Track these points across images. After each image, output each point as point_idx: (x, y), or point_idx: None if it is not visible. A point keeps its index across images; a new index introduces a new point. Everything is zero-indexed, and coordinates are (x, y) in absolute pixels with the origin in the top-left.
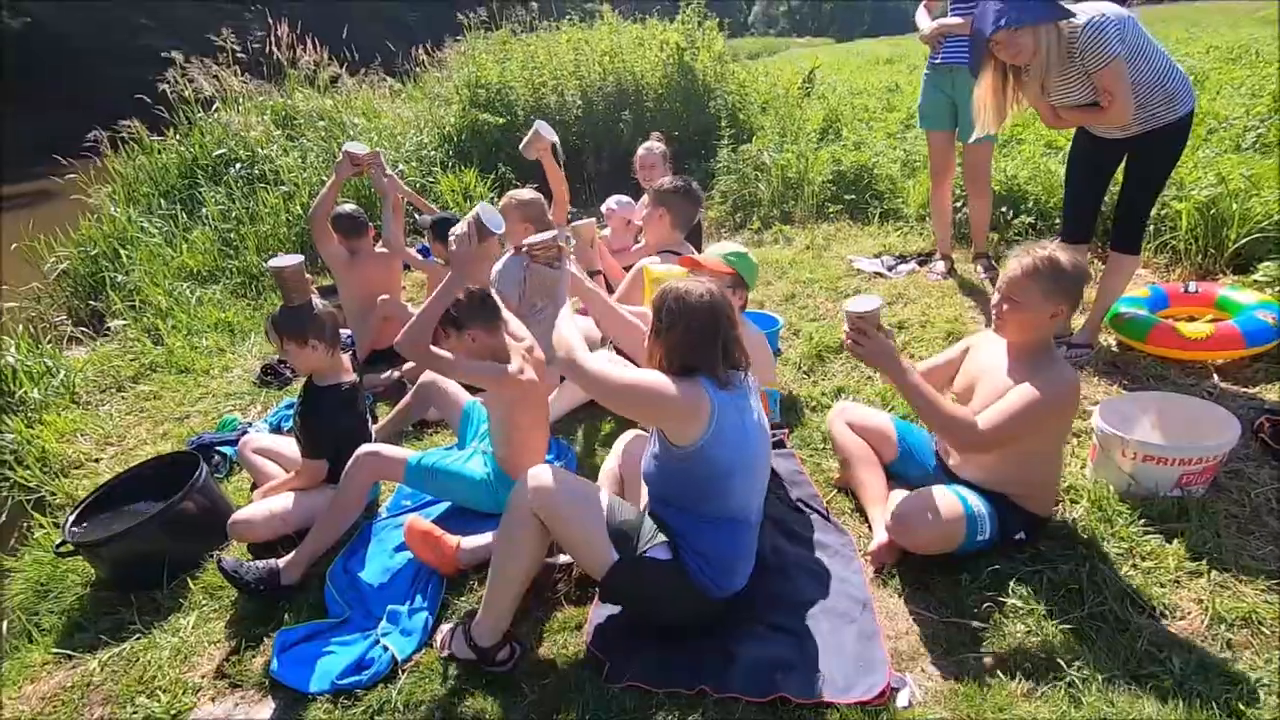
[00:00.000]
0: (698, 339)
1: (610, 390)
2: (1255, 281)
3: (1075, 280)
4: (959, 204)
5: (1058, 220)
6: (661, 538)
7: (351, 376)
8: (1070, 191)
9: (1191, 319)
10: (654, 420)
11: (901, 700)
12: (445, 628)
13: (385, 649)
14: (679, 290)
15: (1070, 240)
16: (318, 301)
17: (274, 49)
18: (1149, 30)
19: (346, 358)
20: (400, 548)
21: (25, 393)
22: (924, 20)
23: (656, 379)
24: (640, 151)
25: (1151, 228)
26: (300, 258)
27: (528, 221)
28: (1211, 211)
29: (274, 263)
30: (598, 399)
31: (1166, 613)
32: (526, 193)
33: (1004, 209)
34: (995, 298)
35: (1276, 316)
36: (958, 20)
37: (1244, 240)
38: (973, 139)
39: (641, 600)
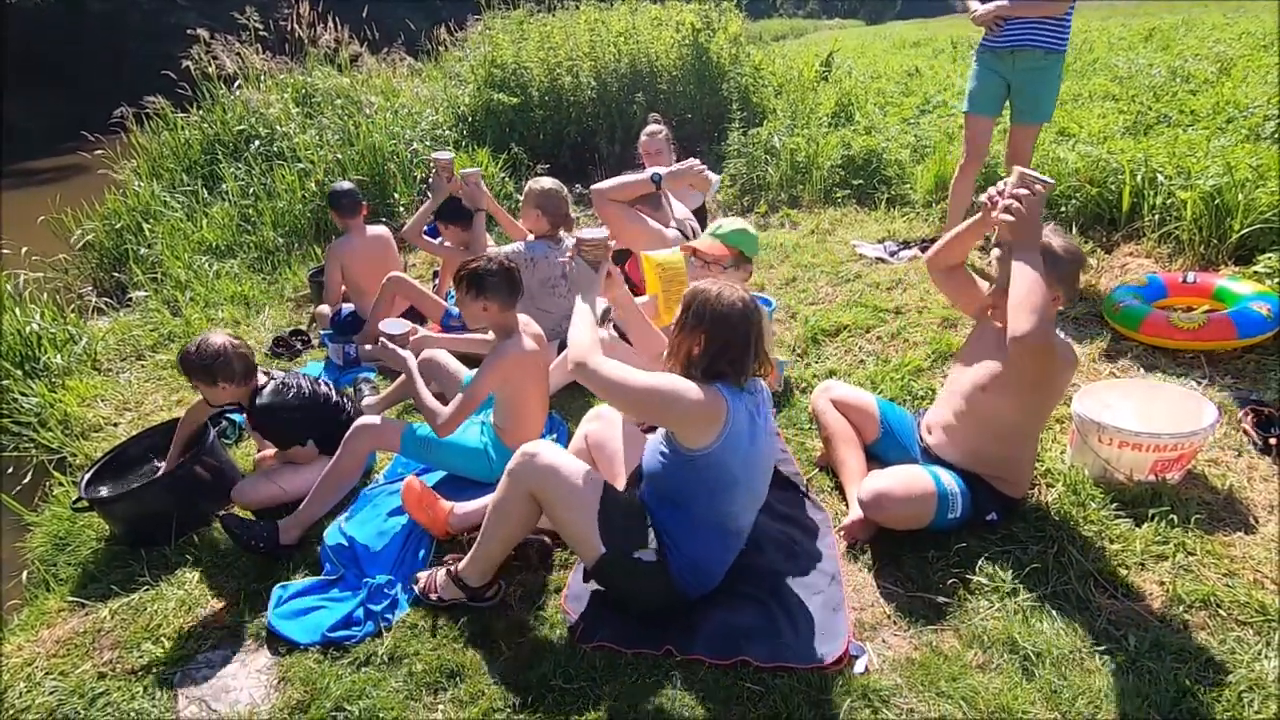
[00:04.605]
0: (730, 347)
1: (628, 395)
2: (1255, 273)
3: (1070, 265)
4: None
5: (1063, 209)
6: (651, 539)
7: (265, 378)
8: None
9: (1189, 309)
10: (670, 423)
11: (858, 667)
12: (424, 574)
13: (372, 611)
14: (713, 294)
15: None
16: (224, 341)
17: (296, 26)
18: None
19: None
20: (394, 513)
21: (49, 359)
22: (975, 1)
23: (675, 383)
24: (643, 138)
25: (1156, 217)
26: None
27: (539, 210)
28: (1216, 201)
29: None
30: (612, 404)
31: (1129, 593)
32: (547, 180)
33: None
34: (992, 287)
35: (1271, 308)
36: (1008, 3)
37: (1247, 230)
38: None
39: (622, 590)
